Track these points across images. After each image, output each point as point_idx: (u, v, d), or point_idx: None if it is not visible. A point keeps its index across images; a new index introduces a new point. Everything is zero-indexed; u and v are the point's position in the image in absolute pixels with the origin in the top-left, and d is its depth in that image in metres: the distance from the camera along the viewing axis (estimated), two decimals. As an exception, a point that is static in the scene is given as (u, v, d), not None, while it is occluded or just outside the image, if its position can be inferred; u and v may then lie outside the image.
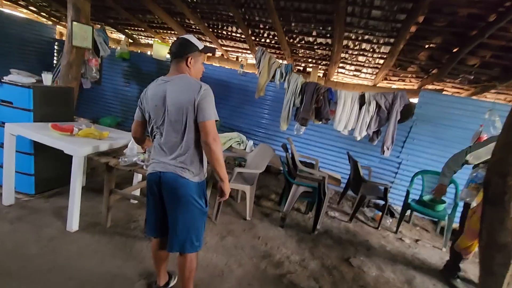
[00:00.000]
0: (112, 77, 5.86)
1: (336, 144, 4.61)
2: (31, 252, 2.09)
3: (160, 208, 1.66)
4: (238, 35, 4.58)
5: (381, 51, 3.75)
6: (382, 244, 3.26)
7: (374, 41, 3.58)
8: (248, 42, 4.48)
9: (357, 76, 4.75)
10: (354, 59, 4.18)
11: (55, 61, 5.87)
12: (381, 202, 3.95)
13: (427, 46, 3.42)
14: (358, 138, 3.84)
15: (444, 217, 3.45)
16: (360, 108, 3.74)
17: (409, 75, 4.24)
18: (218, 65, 5.54)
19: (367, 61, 4.15)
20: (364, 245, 3.17)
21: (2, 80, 2.65)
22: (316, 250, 2.86)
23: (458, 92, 4.39)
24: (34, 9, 5.79)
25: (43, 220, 2.49)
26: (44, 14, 5.93)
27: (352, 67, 4.49)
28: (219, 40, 4.98)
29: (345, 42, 3.74)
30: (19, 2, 5.67)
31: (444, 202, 3.55)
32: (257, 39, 4.54)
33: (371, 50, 3.80)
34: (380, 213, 3.79)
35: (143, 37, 6.09)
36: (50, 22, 6.19)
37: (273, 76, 3.98)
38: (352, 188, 3.95)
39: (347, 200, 4.46)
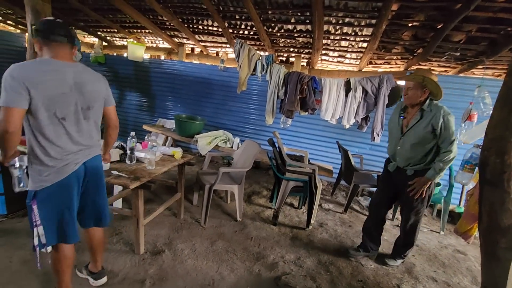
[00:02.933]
0: (89, 83, 5.59)
1: (325, 134, 4.49)
2: (2, 280, 1.91)
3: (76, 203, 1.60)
4: (215, 28, 4.38)
5: (364, 33, 3.61)
6: (379, 233, 3.17)
7: (356, 23, 3.43)
8: (226, 35, 4.29)
9: (342, 62, 4.62)
10: (337, 44, 4.04)
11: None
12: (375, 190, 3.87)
13: (410, 24, 3.29)
14: (347, 126, 3.72)
15: (440, 200, 3.38)
16: (347, 95, 3.62)
17: (394, 57, 4.12)
18: (198, 62, 5.34)
19: (350, 46, 4.02)
20: (360, 236, 3.04)
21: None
22: (312, 247, 2.74)
23: (445, 71, 4.30)
24: (-1, 17, 5.48)
25: (16, 242, 2.29)
26: (10, 22, 5.62)
27: (336, 53, 4.36)
28: (196, 36, 4.78)
29: (325, 27, 3.59)
30: (-19, 12, 5.35)
31: (439, 184, 3.47)
32: (235, 32, 4.35)
33: (353, 33, 3.66)
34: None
35: (117, 39, 5.82)
36: (18, 31, 5.87)
37: (254, 69, 3.82)
38: (345, 178, 3.84)
39: (341, 191, 4.36)
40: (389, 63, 4.36)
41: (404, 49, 3.87)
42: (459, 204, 3.80)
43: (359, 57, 4.28)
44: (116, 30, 5.20)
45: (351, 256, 2.59)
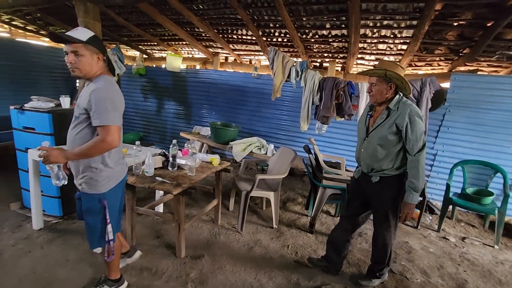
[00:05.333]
0: (131, 93, 5.98)
1: (362, 140, 4.35)
2: (60, 277, 2.08)
3: None
4: (248, 37, 4.48)
5: (403, 35, 3.47)
6: (424, 245, 2.98)
7: (395, 25, 3.31)
8: (260, 43, 4.36)
9: (379, 65, 4.47)
10: (374, 47, 3.92)
11: (77, 84, 6.09)
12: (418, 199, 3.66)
13: (456, 24, 3.10)
14: (386, 132, 3.58)
15: (493, 211, 3.09)
16: (386, 100, 3.49)
17: (437, 59, 3.90)
18: (231, 70, 5.47)
19: (388, 49, 3.88)
20: (404, 247, 2.91)
21: (23, 108, 2.72)
22: (351, 256, 2.65)
23: (495, 71, 3.97)
24: (55, 36, 6.06)
25: (71, 242, 2.49)
26: (64, 40, 6.20)
27: (372, 57, 4.23)
28: (231, 45, 4.91)
29: (362, 30, 3.50)
30: (41, 32, 5.97)
31: (491, 194, 3.20)
32: (269, 39, 4.41)
33: (392, 36, 3.53)
34: (418, 211, 3.50)
35: (156, 51, 6.17)
36: (70, 47, 6.45)
37: (289, 76, 3.83)
38: (384, 186, 3.68)
39: (380, 198, 4.17)
40: (430, 65, 4.14)
41: (449, 50, 3.65)
42: (516, 216, 3.46)
43: (398, 60, 4.12)
44: (156, 43, 5.52)
45: (310, 263, 2.40)
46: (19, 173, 2.93)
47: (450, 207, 3.40)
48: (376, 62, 4.36)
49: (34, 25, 5.60)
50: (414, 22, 3.17)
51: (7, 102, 3.61)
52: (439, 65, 4.06)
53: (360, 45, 3.84)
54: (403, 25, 3.28)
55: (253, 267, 2.38)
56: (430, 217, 3.59)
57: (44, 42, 6.34)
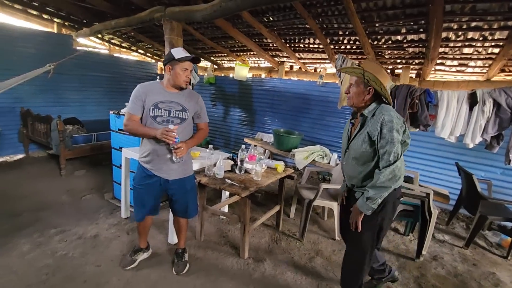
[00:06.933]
0: (202, 100, 6.49)
1: (439, 153, 3.95)
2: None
3: None
4: (315, 46, 4.48)
5: (496, 37, 3.06)
6: (518, 280, 2.55)
7: (485, 27, 2.95)
8: (327, 51, 4.33)
9: (462, 71, 4.00)
10: (457, 52, 3.53)
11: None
12: (510, 225, 3.16)
13: None
14: (471, 146, 3.17)
15: None
16: (471, 109, 3.11)
17: (540, 62, 3.34)
18: (296, 78, 5.52)
19: (475, 53, 3.46)
20: (489, 279, 2.54)
21: (120, 113, 3.20)
22: (424, 281, 2.42)
23: None
24: (142, 51, 6.98)
25: (151, 232, 2.80)
26: (149, 54, 7.10)
27: (455, 62, 3.81)
28: (297, 54, 4.98)
29: (444, 34, 3.20)
30: (132, 48, 6.94)
31: None
32: (336, 47, 4.34)
33: (481, 38, 3.15)
34: (509, 238, 3.01)
35: (225, 62, 6.60)
36: (153, 60, 7.35)
37: (357, 83, 3.70)
38: (466, 206, 3.27)
39: (459, 221, 3.71)
40: (531, 70, 3.55)
41: (557, 52, 3.10)
42: None
43: (487, 65, 3.63)
44: (226, 54, 5.92)
45: None
46: (112, 168, 3.44)
47: (556, 239, 2.84)
48: (460, 68, 3.92)
49: (128, 42, 6.54)
50: (510, 23, 2.78)
51: (106, 107, 4.29)
52: (542, 70, 3.47)
53: (441, 49, 3.51)
54: (495, 26, 2.90)
55: (314, 277, 2.35)
56: (527, 248, 3.05)
57: (133, 56, 7.33)
